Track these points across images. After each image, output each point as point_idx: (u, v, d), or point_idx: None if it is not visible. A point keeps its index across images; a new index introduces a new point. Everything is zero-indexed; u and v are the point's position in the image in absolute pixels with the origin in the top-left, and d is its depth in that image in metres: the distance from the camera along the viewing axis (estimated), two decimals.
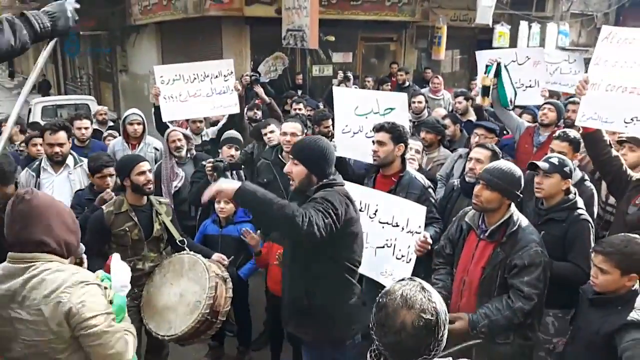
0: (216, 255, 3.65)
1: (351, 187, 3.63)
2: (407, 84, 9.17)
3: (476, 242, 3.00)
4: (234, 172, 4.64)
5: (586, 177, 3.83)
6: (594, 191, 3.83)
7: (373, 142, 3.61)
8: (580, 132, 3.71)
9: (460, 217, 3.18)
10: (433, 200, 3.63)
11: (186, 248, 3.56)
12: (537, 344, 3.10)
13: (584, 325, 2.72)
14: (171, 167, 4.76)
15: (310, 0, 8.25)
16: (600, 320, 2.58)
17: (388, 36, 11.88)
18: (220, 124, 6.01)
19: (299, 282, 2.86)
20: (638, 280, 2.59)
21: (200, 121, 5.90)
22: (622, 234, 2.73)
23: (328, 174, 2.80)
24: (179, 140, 4.77)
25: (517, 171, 2.91)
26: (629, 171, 3.47)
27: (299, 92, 9.78)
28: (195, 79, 5.36)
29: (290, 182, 2.83)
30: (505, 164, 2.98)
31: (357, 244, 2.84)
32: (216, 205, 4.14)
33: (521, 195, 2.94)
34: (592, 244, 3.04)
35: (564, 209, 3.24)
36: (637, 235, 2.63)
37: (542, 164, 3.25)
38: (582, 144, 3.78)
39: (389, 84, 9.06)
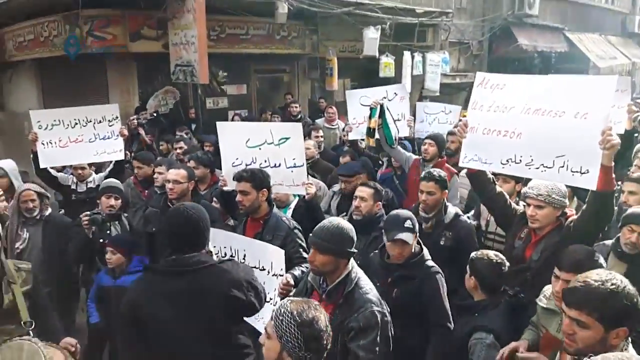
0: (64, 342, 2.96)
1: (221, 235, 3.58)
2: (299, 115, 9.43)
3: (318, 302, 2.80)
4: (117, 223, 4.41)
5: (459, 212, 4.01)
6: (471, 224, 4.05)
7: (235, 192, 3.63)
8: (466, 171, 3.93)
9: (307, 273, 3.02)
10: (300, 241, 3.63)
11: (30, 332, 2.89)
12: None
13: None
14: (17, 227, 4.40)
15: (197, 37, 8.16)
16: (461, 324, 3.03)
17: (281, 68, 12.05)
18: (106, 171, 5.70)
19: None
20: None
21: (83, 168, 5.56)
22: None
23: None
24: (32, 200, 4.41)
25: (346, 228, 2.77)
26: (514, 205, 3.70)
27: (193, 125, 9.64)
28: (76, 124, 5.11)
29: None
30: (333, 222, 2.80)
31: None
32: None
33: (355, 251, 2.78)
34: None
35: (412, 264, 3.24)
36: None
37: (399, 236, 3.16)
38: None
39: (278, 116, 9.35)
